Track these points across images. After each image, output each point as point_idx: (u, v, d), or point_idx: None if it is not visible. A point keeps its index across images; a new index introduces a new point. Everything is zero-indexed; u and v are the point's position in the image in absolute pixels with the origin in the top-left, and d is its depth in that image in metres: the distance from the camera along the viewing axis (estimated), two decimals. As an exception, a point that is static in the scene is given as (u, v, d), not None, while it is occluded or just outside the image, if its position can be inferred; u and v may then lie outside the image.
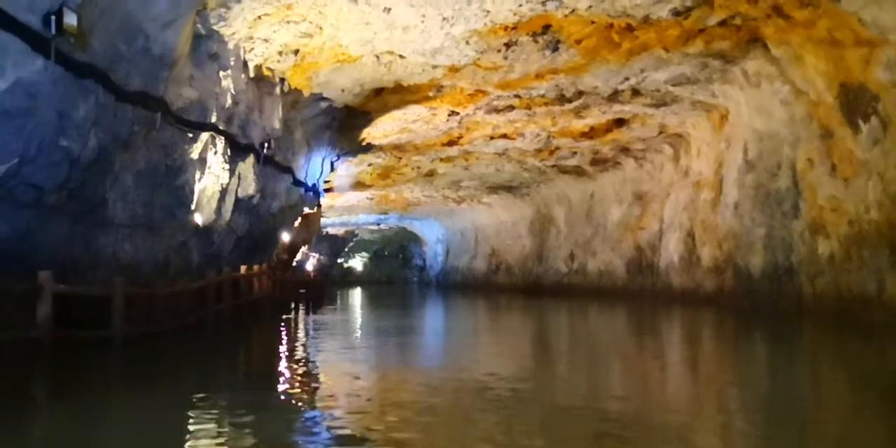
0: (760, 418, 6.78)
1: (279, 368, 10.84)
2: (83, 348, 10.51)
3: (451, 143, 28.64)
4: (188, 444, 5.80)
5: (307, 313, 23.44)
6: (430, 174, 35.10)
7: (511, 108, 23.49)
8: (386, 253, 72.31)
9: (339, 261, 70.64)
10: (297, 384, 9.19)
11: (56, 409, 7.58)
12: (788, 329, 15.71)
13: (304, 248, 40.05)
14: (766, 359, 11.74)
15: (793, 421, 6.71)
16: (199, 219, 15.22)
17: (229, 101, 15.37)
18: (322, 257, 60.37)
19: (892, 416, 6.98)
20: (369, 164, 32.29)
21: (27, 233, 10.26)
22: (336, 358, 12.09)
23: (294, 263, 36.35)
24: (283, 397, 8.25)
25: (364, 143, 27.36)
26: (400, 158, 31.24)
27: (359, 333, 17.46)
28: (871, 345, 12.81)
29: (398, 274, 70.35)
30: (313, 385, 9.13)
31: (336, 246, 65.86)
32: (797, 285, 17.35)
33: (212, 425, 6.56)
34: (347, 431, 6.26)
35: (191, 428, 6.39)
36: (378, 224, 58.13)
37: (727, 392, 8.47)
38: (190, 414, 6.96)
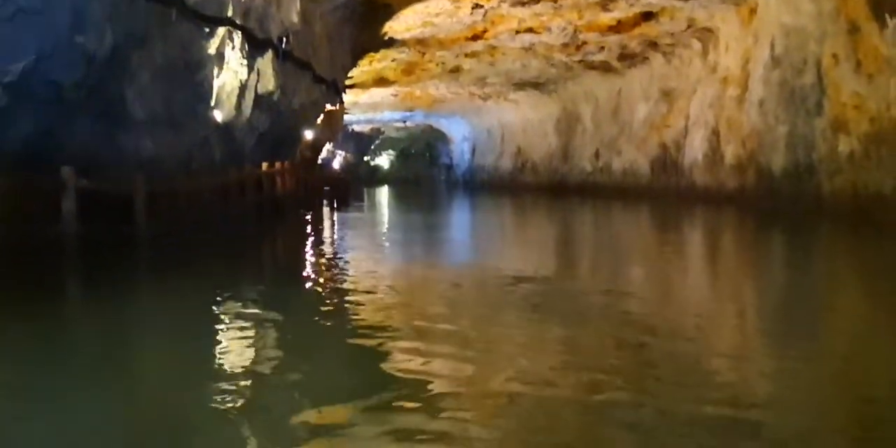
0: (777, 314, 6.95)
1: (303, 264, 11.17)
2: (108, 244, 10.81)
3: (475, 38, 28.15)
4: (217, 333, 6.01)
5: (332, 211, 23.82)
6: (455, 70, 34.64)
7: (536, 0, 22.98)
8: (413, 151, 72.22)
9: (366, 159, 70.80)
10: (322, 278, 9.50)
11: (85, 301, 7.93)
12: (806, 228, 15.80)
13: (329, 146, 40.20)
14: (783, 256, 11.91)
15: (808, 316, 6.83)
16: (219, 115, 15.34)
17: (245, -6, 15.21)
18: (349, 155, 60.54)
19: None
20: (392, 60, 31.91)
21: (49, 131, 10.48)
22: (359, 253, 12.37)
23: (319, 161, 36.57)
24: (307, 290, 8.51)
25: (386, 38, 27.01)
26: (424, 54, 30.81)
27: (384, 230, 17.78)
28: (884, 243, 12.88)
29: (425, 172, 70.41)
30: (337, 277, 9.42)
31: (362, 144, 65.85)
32: (817, 184, 17.28)
33: (239, 315, 6.79)
34: (371, 322, 6.39)
35: (219, 318, 6.60)
36: (404, 122, 57.82)
37: (746, 287, 8.62)
38: (217, 306, 7.16)
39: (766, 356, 5.15)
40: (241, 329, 6.18)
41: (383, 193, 43.11)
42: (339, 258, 11.67)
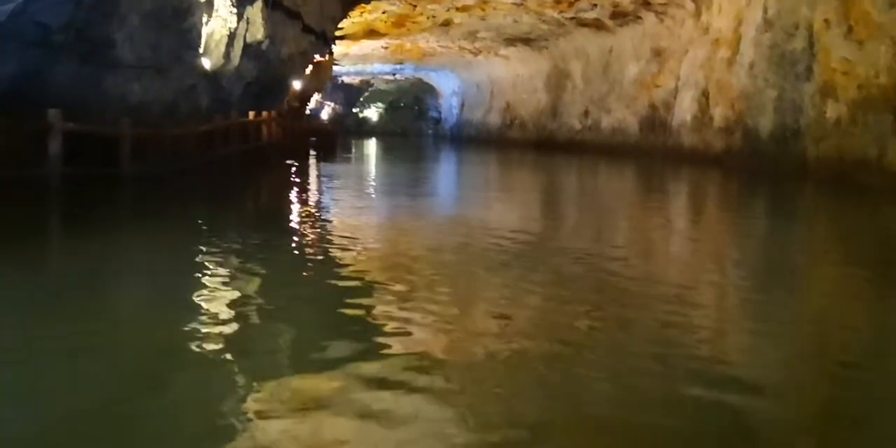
0: (755, 272, 7.07)
1: (284, 212, 11.21)
2: (93, 186, 10.86)
3: (467, -8, 27.90)
4: (199, 274, 6.02)
5: (318, 161, 23.73)
6: (446, 24, 34.34)
7: (530, -45, 22.76)
8: (401, 104, 71.77)
9: (355, 111, 70.35)
10: (303, 226, 9.55)
11: (69, 240, 7.94)
12: (790, 191, 15.96)
13: (317, 97, 39.92)
14: (766, 218, 12.02)
15: (785, 273, 6.99)
16: (206, 63, 15.24)
17: (236, -60, 15.02)
18: (337, 106, 60.14)
19: (877, 267, 7.33)
20: (383, 12, 31.58)
21: (36, 72, 10.42)
22: (343, 205, 12.37)
23: (307, 112, 36.34)
24: (285, 236, 8.53)
25: (378, -11, 26.72)
26: (415, 6, 30.50)
27: (370, 182, 17.78)
28: (865, 207, 13.06)
29: (413, 126, 70.10)
30: (319, 226, 9.46)
31: (351, 95, 65.39)
32: (802, 148, 17.39)
33: (221, 256, 6.83)
34: (351, 273, 6.38)
35: (201, 260, 6.60)
36: (394, 74, 57.36)
37: (726, 249, 8.72)
38: (200, 248, 7.18)
39: (743, 318, 5.26)
40: (220, 268, 6.23)
41: (370, 146, 42.91)
42: (322, 208, 11.70)
